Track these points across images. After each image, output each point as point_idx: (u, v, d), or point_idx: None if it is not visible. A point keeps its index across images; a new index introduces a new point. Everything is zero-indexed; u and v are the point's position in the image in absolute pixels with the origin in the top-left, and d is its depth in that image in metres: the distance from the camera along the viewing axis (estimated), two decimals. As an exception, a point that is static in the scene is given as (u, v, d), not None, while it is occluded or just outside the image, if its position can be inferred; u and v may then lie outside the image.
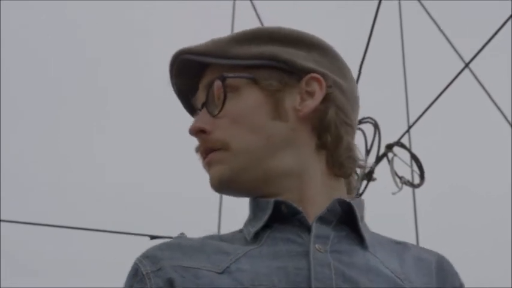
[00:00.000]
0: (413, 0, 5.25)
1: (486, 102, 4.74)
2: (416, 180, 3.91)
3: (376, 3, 3.64)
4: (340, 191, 1.30)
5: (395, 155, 3.91)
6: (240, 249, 1.20)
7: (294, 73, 1.29)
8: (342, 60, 1.37)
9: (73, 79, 7.88)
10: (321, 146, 1.29)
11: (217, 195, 5.27)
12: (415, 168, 3.92)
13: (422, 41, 6.10)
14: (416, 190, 4.33)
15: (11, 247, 6.00)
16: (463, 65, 4.22)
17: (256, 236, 1.23)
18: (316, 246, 1.17)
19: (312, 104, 1.27)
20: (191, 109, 1.38)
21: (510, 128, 4.62)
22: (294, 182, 1.26)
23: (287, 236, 1.21)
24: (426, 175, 3.86)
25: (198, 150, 1.31)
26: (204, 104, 1.30)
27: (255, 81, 1.28)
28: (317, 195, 1.26)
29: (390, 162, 3.85)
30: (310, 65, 1.30)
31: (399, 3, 5.52)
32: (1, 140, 6.43)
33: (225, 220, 4.89)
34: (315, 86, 1.28)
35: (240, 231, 1.29)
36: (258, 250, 1.20)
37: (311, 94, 1.28)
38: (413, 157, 3.94)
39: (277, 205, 1.23)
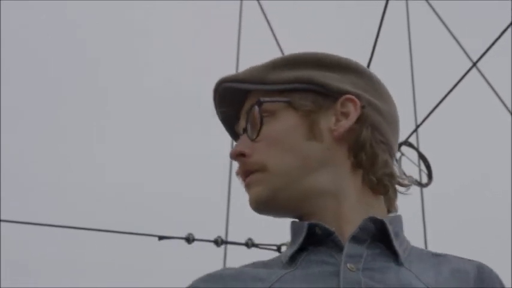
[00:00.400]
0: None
1: (494, 102, 4.74)
2: (424, 180, 3.91)
3: (384, 3, 3.64)
4: (377, 208, 1.32)
5: (403, 154, 3.91)
6: (274, 275, 1.24)
7: (329, 95, 1.34)
8: (380, 83, 1.40)
9: (73, 79, 7.87)
10: (357, 164, 1.32)
11: (224, 195, 5.24)
12: (423, 167, 3.92)
13: (429, 40, 6.09)
14: (424, 189, 4.32)
15: (11, 247, 6.01)
16: (470, 64, 4.22)
17: (293, 260, 1.27)
18: (348, 265, 1.20)
19: (346, 124, 1.31)
20: (236, 136, 1.44)
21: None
22: (330, 201, 1.30)
23: (321, 257, 1.24)
24: (434, 174, 3.86)
25: (238, 173, 1.36)
26: (245, 129, 1.36)
27: (290, 104, 1.33)
28: (352, 214, 1.29)
29: (398, 161, 3.85)
30: (345, 86, 1.34)
31: (406, 3, 5.52)
32: (1, 139, 6.45)
33: (233, 221, 4.90)
34: (349, 107, 1.33)
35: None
36: (291, 274, 1.23)
37: (346, 115, 1.32)
38: (421, 156, 3.94)
39: (311, 228, 1.27)
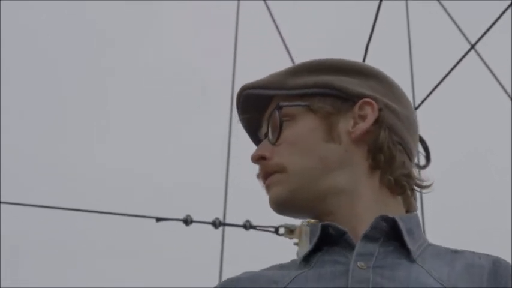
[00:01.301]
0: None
1: (492, 84, 4.74)
2: (422, 162, 3.92)
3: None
4: (394, 208, 1.35)
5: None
6: (288, 276, 1.27)
7: (348, 99, 1.37)
8: (399, 87, 1.44)
9: (71, 65, 7.89)
10: (375, 165, 1.35)
11: (222, 177, 5.24)
12: (421, 149, 3.92)
13: (428, 22, 6.08)
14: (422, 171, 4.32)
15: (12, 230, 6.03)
16: (469, 47, 4.21)
17: (307, 260, 1.30)
18: (358, 264, 1.22)
19: (363, 126, 1.34)
20: (259, 142, 1.46)
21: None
22: (346, 201, 1.33)
23: (334, 257, 1.27)
24: (432, 156, 3.86)
25: (259, 176, 1.40)
26: (266, 134, 1.40)
27: (309, 108, 1.37)
28: (368, 213, 1.31)
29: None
30: (363, 90, 1.37)
31: (405, -15, 5.50)
32: (1, 122, 6.45)
33: (231, 203, 4.91)
34: (367, 110, 1.35)
35: None
36: (304, 274, 1.26)
37: (363, 117, 1.35)
38: (419, 138, 3.94)
39: (325, 228, 1.30)
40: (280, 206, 1.36)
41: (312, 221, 1.39)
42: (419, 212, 1.44)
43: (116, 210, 4.97)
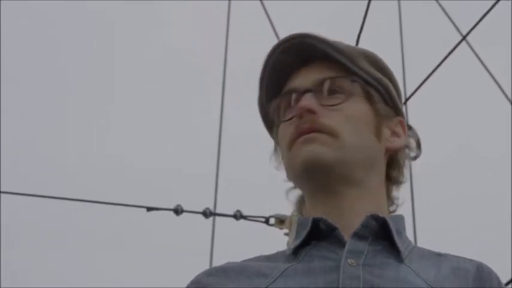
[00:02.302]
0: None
1: (483, 75, 4.74)
2: (413, 153, 3.92)
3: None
4: (386, 208, 1.39)
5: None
6: (277, 269, 1.27)
7: (391, 109, 1.42)
8: None
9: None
10: (388, 177, 1.40)
11: (213, 168, 5.19)
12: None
13: (419, 13, 6.08)
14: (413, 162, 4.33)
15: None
16: (460, 38, 4.22)
17: (296, 253, 1.30)
18: (349, 261, 1.23)
19: (398, 143, 1.41)
20: (271, 87, 1.42)
21: (508, 102, 4.62)
22: (357, 195, 1.34)
23: (323, 253, 1.27)
24: (422, 147, 3.86)
25: (297, 127, 1.33)
26: (308, 90, 1.35)
27: (370, 98, 1.38)
28: (363, 212, 1.31)
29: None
30: (402, 109, 1.46)
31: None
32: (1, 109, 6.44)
33: (221, 193, 4.91)
34: (400, 130, 1.43)
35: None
36: (293, 268, 1.26)
37: (397, 134, 1.41)
38: (410, 130, 3.94)
39: (316, 222, 1.30)
40: (314, 166, 1.31)
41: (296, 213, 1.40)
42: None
43: (106, 199, 4.97)
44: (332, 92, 1.35)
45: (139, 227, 6.19)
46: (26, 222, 6.86)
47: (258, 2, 5.14)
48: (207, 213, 4.75)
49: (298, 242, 1.30)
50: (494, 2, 3.49)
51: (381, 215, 1.30)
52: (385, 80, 1.42)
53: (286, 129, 1.35)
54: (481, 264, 1.32)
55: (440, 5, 4.99)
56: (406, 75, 4.81)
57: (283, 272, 1.26)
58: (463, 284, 1.26)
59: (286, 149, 1.35)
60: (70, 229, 7.00)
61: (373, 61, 1.42)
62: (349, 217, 1.31)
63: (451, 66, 4.04)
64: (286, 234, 4.55)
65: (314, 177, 1.32)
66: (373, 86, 1.39)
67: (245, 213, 4.75)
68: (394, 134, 1.41)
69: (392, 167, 1.41)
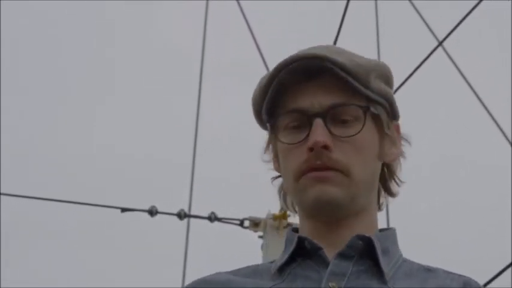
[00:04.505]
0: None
1: (459, 81, 4.76)
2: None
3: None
4: (375, 223, 1.36)
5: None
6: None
7: (392, 118, 1.37)
8: None
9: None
10: (383, 185, 1.38)
11: (188, 168, 5.18)
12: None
13: (396, 18, 6.11)
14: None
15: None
16: (436, 44, 4.23)
17: (282, 270, 1.29)
18: (330, 284, 1.22)
19: (396, 153, 1.37)
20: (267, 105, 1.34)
21: (484, 109, 4.64)
22: (355, 220, 1.32)
23: (306, 272, 1.27)
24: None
25: (310, 163, 1.28)
26: (316, 115, 1.28)
27: (377, 120, 1.33)
28: (353, 233, 1.29)
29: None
30: (398, 111, 1.39)
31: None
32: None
33: (196, 195, 4.90)
34: (395, 134, 1.37)
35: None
36: None
37: (393, 142, 1.36)
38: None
39: (301, 241, 1.29)
40: (328, 206, 1.28)
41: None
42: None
43: (80, 199, 4.95)
44: (343, 120, 1.30)
45: (114, 228, 6.17)
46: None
47: (235, 2, 5.14)
48: (181, 215, 4.74)
49: (283, 260, 1.30)
50: (471, 8, 3.50)
51: (367, 234, 1.28)
52: (390, 92, 1.37)
53: (293, 155, 1.30)
54: (469, 280, 1.31)
55: (417, 10, 5.01)
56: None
57: None
58: None
59: (293, 178, 1.30)
60: (42, 229, 6.97)
61: (383, 75, 1.36)
62: (340, 237, 1.30)
63: (427, 72, 4.06)
64: (260, 237, 4.56)
65: (322, 213, 1.30)
66: (381, 104, 1.33)
67: (220, 215, 4.75)
68: (392, 143, 1.36)
69: (388, 179, 1.38)
